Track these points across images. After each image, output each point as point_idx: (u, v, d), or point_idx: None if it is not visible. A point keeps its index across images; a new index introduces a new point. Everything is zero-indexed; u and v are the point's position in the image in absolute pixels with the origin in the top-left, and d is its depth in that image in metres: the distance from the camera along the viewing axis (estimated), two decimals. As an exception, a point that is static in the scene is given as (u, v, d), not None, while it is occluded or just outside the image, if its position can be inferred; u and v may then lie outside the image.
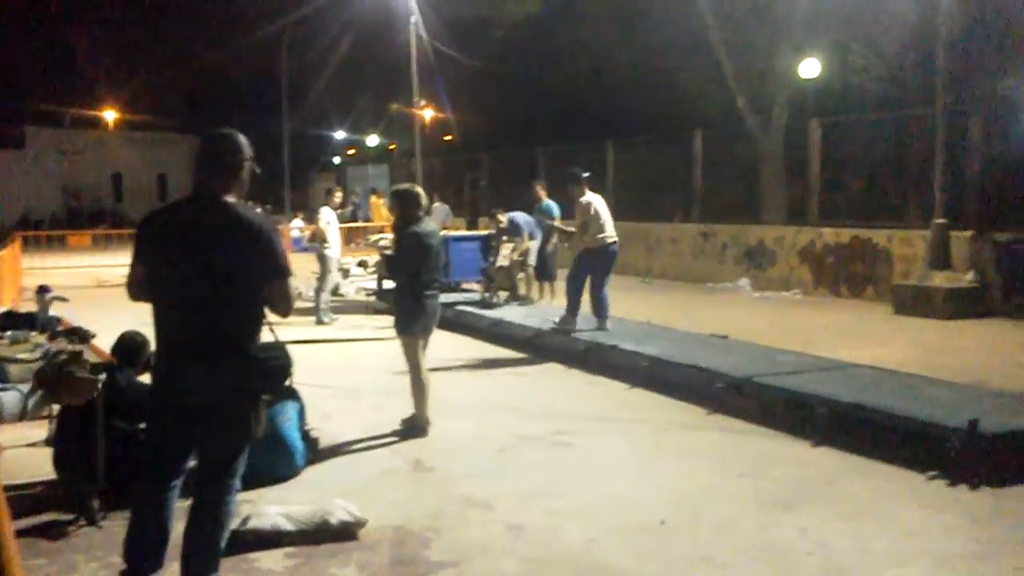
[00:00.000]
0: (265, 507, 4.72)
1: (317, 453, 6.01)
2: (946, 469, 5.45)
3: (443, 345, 10.62)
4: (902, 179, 15.50)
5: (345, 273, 16.44)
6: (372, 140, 52.57)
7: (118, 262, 19.68)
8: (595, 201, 9.78)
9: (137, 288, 3.73)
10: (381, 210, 25.57)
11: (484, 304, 12.31)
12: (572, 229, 10.08)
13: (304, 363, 9.40)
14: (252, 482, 5.32)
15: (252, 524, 4.49)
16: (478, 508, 5.01)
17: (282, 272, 3.59)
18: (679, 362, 8.08)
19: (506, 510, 4.97)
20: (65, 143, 50.35)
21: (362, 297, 15.27)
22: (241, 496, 5.16)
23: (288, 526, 4.48)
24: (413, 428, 6.64)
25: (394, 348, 10.12)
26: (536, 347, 10.00)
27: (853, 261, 14.41)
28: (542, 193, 13.09)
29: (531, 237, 12.49)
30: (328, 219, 12.61)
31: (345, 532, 4.55)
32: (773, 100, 18.64)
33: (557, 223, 12.19)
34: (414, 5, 25.54)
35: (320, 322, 12.38)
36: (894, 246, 13.68)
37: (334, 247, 12.64)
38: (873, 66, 16.41)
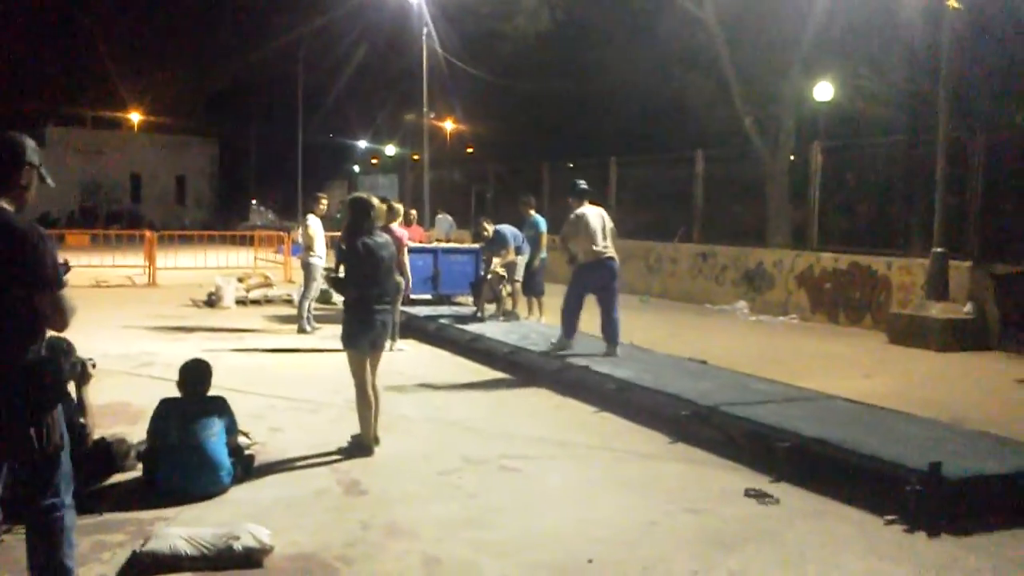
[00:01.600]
0: (166, 528, 4.50)
1: (251, 470, 5.77)
2: (905, 514, 5.14)
3: (419, 359, 10.48)
4: (906, 206, 15.15)
5: (336, 282, 16.23)
6: (390, 150, 52.76)
7: (118, 262, 19.68)
8: (588, 214, 9.41)
9: None
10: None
11: (473, 318, 12.07)
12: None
13: (269, 373, 9.32)
14: (172, 498, 5.15)
15: (150, 546, 4.25)
16: (400, 537, 4.75)
17: (49, 282, 3.34)
18: (647, 386, 7.79)
19: (429, 540, 4.71)
20: (85, 143, 50.70)
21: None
22: (157, 513, 5.00)
23: (188, 550, 4.24)
24: (359, 447, 6.39)
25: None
26: (512, 364, 9.75)
27: (851, 287, 14.07)
28: (529, 209, 12.89)
29: (518, 252, 12.26)
30: (315, 226, 12.42)
31: (250, 559, 4.30)
32: (780, 122, 18.35)
33: (544, 239, 11.97)
34: (427, 17, 25.57)
35: (302, 330, 12.18)
36: (893, 274, 13.34)
37: (320, 254, 12.44)
38: (881, 92, 16.10)
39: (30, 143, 3.49)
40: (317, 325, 12.47)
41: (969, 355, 11.33)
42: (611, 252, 9.44)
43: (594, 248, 9.31)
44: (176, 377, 5.72)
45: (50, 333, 5.43)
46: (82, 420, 5.08)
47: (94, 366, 5.52)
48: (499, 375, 9.51)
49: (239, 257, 21.63)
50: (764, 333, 13.50)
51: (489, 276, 12.28)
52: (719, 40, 17.74)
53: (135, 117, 53.57)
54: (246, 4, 44.85)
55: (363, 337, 6.38)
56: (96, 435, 5.42)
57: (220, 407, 5.50)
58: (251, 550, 4.31)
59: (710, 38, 17.90)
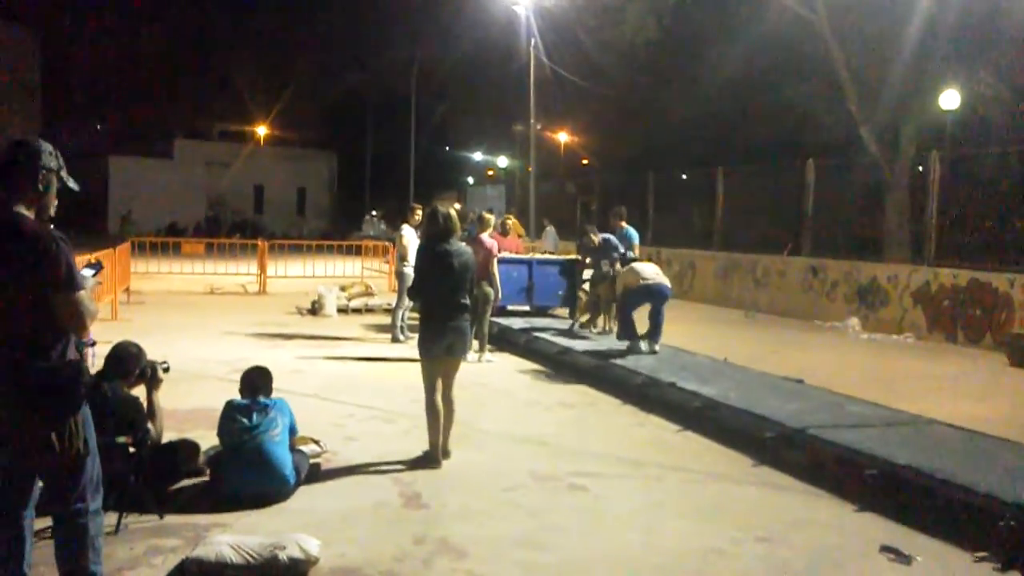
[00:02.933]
0: (217, 535, 4.50)
1: (317, 476, 5.79)
2: (998, 551, 4.72)
3: (506, 371, 10.37)
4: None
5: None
6: (502, 161, 53.14)
7: (232, 270, 20.37)
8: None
9: None
10: (517, 226, 25.36)
11: (569, 333, 11.74)
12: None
13: (355, 381, 9.39)
14: (234, 503, 5.18)
15: (197, 552, 4.27)
16: (449, 554, 4.64)
17: (63, 284, 3.33)
18: (733, 405, 7.47)
19: (478, 559, 4.58)
20: (212, 155, 52.95)
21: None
22: (216, 519, 5.03)
23: (234, 558, 4.24)
24: (427, 458, 6.33)
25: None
26: (598, 379, 9.53)
27: (971, 305, 13.23)
28: (620, 221, 12.53)
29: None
30: (409, 236, 12.51)
31: (294, 569, 4.27)
32: (900, 130, 17.49)
33: (636, 251, 11.71)
34: (534, 28, 25.60)
35: (396, 340, 12.28)
36: (1016, 292, 12.46)
37: (413, 265, 12.52)
38: (1006, 98, 15.13)
39: (46, 147, 3.53)
40: (411, 335, 12.48)
41: (1098, 380, 10.47)
42: (661, 279, 10.08)
43: (643, 278, 9.98)
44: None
45: (123, 337, 5.60)
46: (149, 425, 5.15)
47: (166, 370, 5.62)
48: (584, 389, 9.31)
49: (348, 266, 22.06)
50: (874, 352, 12.83)
51: (595, 285, 11.88)
52: (832, 44, 17.05)
53: (260, 131, 55.67)
54: (364, 19, 45.99)
55: (435, 345, 6.32)
56: (168, 439, 5.53)
57: (281, 409, 5.53)
58: (296, 561, 4.28)
59: (823, 42, 17.22)
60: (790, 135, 19.78)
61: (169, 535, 4.77)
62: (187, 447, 5.64)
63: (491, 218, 11.35)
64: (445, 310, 6.33)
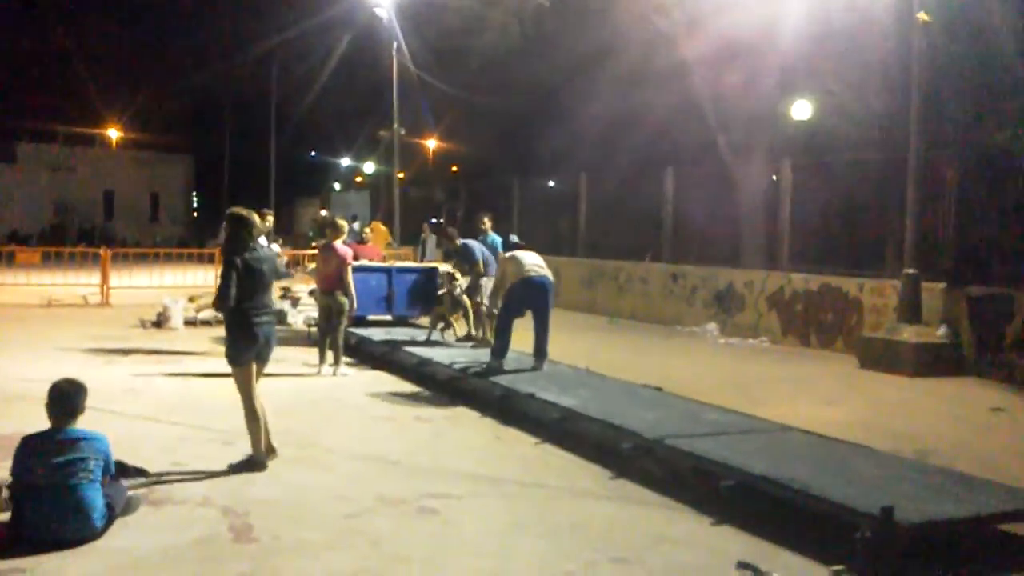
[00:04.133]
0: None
1: (136, 509, 5.21)
2: (855, 563, 4.61)
3: (361, 384, 9.88)
4: (878, 225, 14.68)
5: (295, 302, 15.65)
6: (369, 167, 52.30)
7: (73, 281, 19.02)
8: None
9: None
10: (384, 233, 24.72)
11: (427, 341, 11.34)
12: None
13: (194, 400, 8.71)
14: (40, 546, 4.58)
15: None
16: (279, 594, 4.18)
17: None
18: (592, 416, 7.25)
19: (311, 598, 4.15)
20: (58, 160, 49.97)
21: (305, 328, 14.40)
22: (12, 563, 4.40)
23: (19, 614, 3.66)
24: (251, 463, 6.10)
25: (301, 385, 9.47)
26: (456, 391, 9.19)
27: (823, 309, 13.59)
28: (488, 224, 12.27)
29: (485, 271, 11.48)
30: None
31: (92, 623, 3.73)
32: (754, 140, 17.91)
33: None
34: (397, 31, 25.15)
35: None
36: (865, 295, 12.86)
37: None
38: (854, 109, 15.68)
39: None
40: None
41: (943, 380, 10.84)
42: (543, 271, 9.40)
43: (524, 269, 9.27)
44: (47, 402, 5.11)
45: None
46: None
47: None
48: (442, 402, 8.95)
49: (201, 276, 20.97)
50: (732, 357, 12.98)
51: (452, 292, 11.40)
52: (689, 54, 17.31)
53: (111, 133, 52.91)
54: (219, 18, 44.21)
55: (246, 352, 6.28)
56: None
57: (93, 443, 4.92)
58: (95, 614, 3.73)
59: (679, 53, 17.48)
60: (650, 144, 19.99)
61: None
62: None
63: (344, 224, 10.81)
64: (256, 317, 6.24)
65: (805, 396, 9.87)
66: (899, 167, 12.36)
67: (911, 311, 11.58)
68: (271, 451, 6.36)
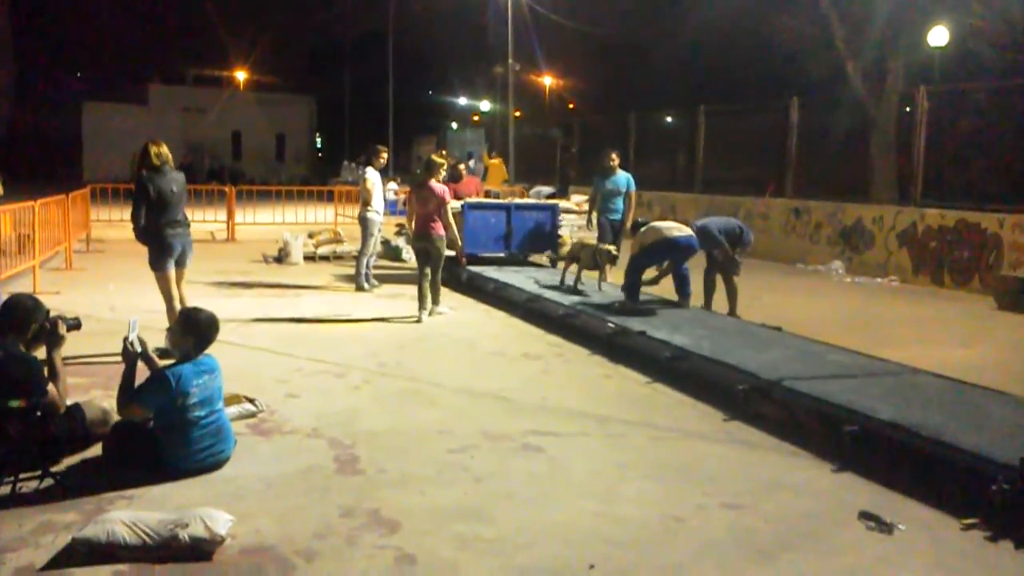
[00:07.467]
0: (110, 512, 3.99)
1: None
2: (989, 518, 4.26)
3: (470, 320, 9.82)
4: (1022, 158, 13.58)
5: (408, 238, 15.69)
6: (485, 105, 52.18)
7: (200, 218, 19.65)
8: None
9: None
10: (501, 170, 24.59)
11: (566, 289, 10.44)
12: None
13: (310, 333, 8.85)
14: (147, 476, 4.67)
15: (86, 532, 3.75)
16: (379, 528, 4.14)
17: None
18: (705, 355, 6.98)
19: (411, 533, 4.09)
20: (188, 101, 51.64)
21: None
22: (121, 491, 4.50)
23: (128, 537, 3.72)
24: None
25: (415, 324, 9.41)
26: (567, 328, 9.02)
27: (958, 247, 12.76)
28: (616, 161, 11.69)
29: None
30: (373, 179, 11.87)
31: (197, 550, 3.76)
32: (887, 66, 16.84)
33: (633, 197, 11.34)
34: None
35: (360, 288, 11.75)
36: (1005, 232, 11.98)
37: (377, 209, 11.90)
38: (999, 33, 14.46)
39: None
40: (376, 283, 12.00)
41: (1091, 323, 10.04)
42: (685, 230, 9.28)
43: (664, 231, 9.17)
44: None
45: (15, 291, 5.03)
46: (49, 387, 4.61)
47: (75, 327, 5.10)
48: (553, 339, 8.81)
49: (321, 213, 21.36)
50: (858, 296, 12.37)
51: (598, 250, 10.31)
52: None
53: (239, 75, 54.29)
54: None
55: (166, 259, 7.53)
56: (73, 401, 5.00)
57: (218, 370, 4.99)
58: (199, 540, 3.77)
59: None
60: (775, 73, 19.08)
61: (66, 509, 4.26)
62: (95, 410, 5.05)
63: (441, 161, 10.28)
64: (168, 228, 7.42)
65: (937, 338, 9.30)
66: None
67: (1058, 248, 10.75)
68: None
